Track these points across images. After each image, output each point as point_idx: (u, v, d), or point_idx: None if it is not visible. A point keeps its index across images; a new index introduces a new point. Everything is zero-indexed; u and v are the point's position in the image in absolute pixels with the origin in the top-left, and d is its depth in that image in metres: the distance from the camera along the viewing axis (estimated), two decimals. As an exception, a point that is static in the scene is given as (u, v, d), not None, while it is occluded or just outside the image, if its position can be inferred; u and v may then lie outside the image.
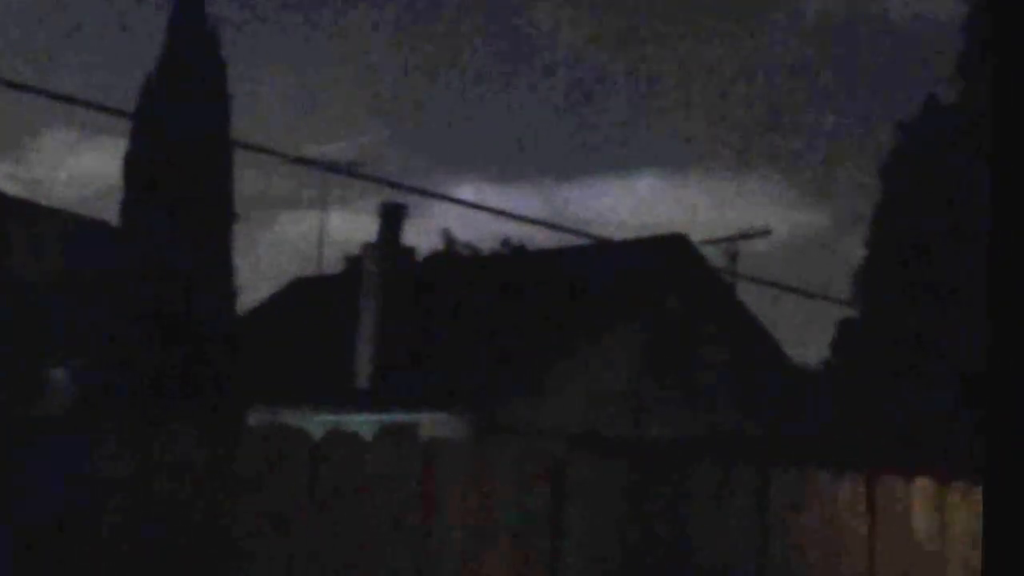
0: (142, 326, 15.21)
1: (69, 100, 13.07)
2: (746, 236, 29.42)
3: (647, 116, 56.89)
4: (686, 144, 58.96)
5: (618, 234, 45.10)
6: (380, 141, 56.83)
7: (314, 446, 7.87)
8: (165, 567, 7.18)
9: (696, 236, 25.51)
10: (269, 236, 46.80)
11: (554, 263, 24.55)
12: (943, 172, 20.25)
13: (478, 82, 53.83)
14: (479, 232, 49.51)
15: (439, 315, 23.04)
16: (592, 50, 58.25)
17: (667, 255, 24.03)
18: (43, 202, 23.86)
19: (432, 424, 19.41)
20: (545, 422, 20.06)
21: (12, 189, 39.08)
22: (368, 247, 23.55)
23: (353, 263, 28.56)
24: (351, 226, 54.64)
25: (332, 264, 31.55)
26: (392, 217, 23.41)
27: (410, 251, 24.49)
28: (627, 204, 54.04)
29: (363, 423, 17.47)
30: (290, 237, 49.83)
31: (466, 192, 64.20)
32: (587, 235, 30.06)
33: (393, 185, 24.53)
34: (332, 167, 25.34)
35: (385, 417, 19.72)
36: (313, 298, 27.11)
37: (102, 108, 13.15)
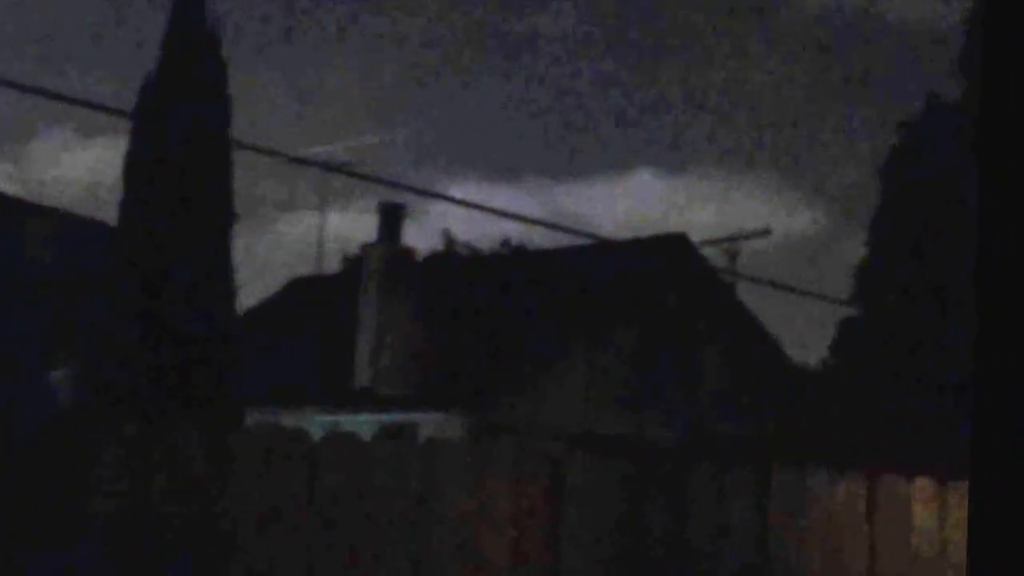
0: (141, 326, 15.19)
1: (69, 100, 13.08)
2: (746, 236, 29.40)
3: (646, 116, 56.87)
4: (686, 144, 58.92)
5: (617, 234, 45.14)
6: (380, 141, 56.85)
7: (313, 446, 7.87)
8: (165, 567, 7.17)
9: (696, 236, 25.54)
10: (268, 236, 46.74)
11: (553, 263, 24.54)
12: (943, 172, 20.22)
13: (478, 82, 53.79)
14: (479, 232, 49.38)
15: (439, 315, 23.03)
16: (592, 50, 58.27)
17: (667, 255, 24.02)
18: (42, 202, 23.88)
19: (431, 424, 19.41)
20: (544, 422, 20.06)
21: (11, 189, 39.13)
22: (367, 247, 23.54)
23: (352, 263, 28.56)
24: (350, 226, 54.62)
25: (331, 264, 31.58)
26: (392, 217, 23.39)
27: (410, 251, 24.48)
28: (626, 204, 53.98)
29: (362, 423, 17.47)
30: (289, 237, 49.77)
31: (466, 192, 64.23)
32: (586, 235, 30.14)
33: (393, 185, 24.55)
34: (331, 167, 25.35)
35: (384, 417, 19.72)
36: (312, 298, 27.09)
37: (102, 108, 13.16)
